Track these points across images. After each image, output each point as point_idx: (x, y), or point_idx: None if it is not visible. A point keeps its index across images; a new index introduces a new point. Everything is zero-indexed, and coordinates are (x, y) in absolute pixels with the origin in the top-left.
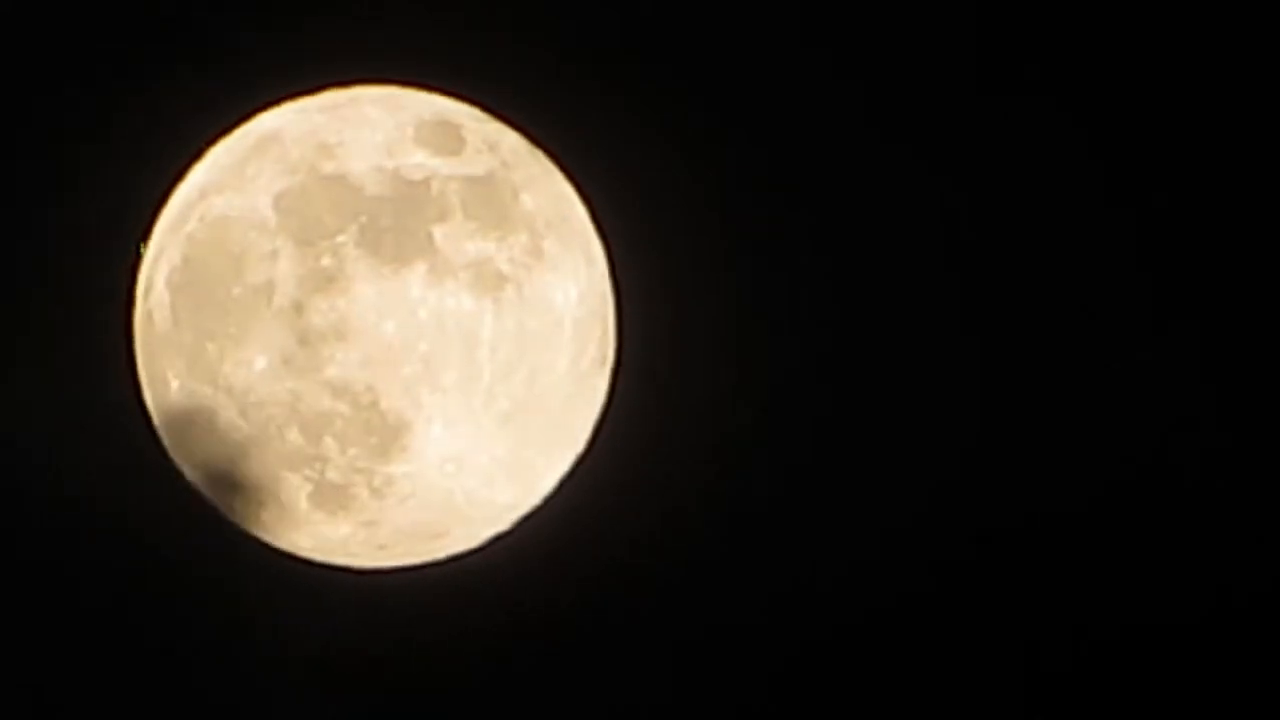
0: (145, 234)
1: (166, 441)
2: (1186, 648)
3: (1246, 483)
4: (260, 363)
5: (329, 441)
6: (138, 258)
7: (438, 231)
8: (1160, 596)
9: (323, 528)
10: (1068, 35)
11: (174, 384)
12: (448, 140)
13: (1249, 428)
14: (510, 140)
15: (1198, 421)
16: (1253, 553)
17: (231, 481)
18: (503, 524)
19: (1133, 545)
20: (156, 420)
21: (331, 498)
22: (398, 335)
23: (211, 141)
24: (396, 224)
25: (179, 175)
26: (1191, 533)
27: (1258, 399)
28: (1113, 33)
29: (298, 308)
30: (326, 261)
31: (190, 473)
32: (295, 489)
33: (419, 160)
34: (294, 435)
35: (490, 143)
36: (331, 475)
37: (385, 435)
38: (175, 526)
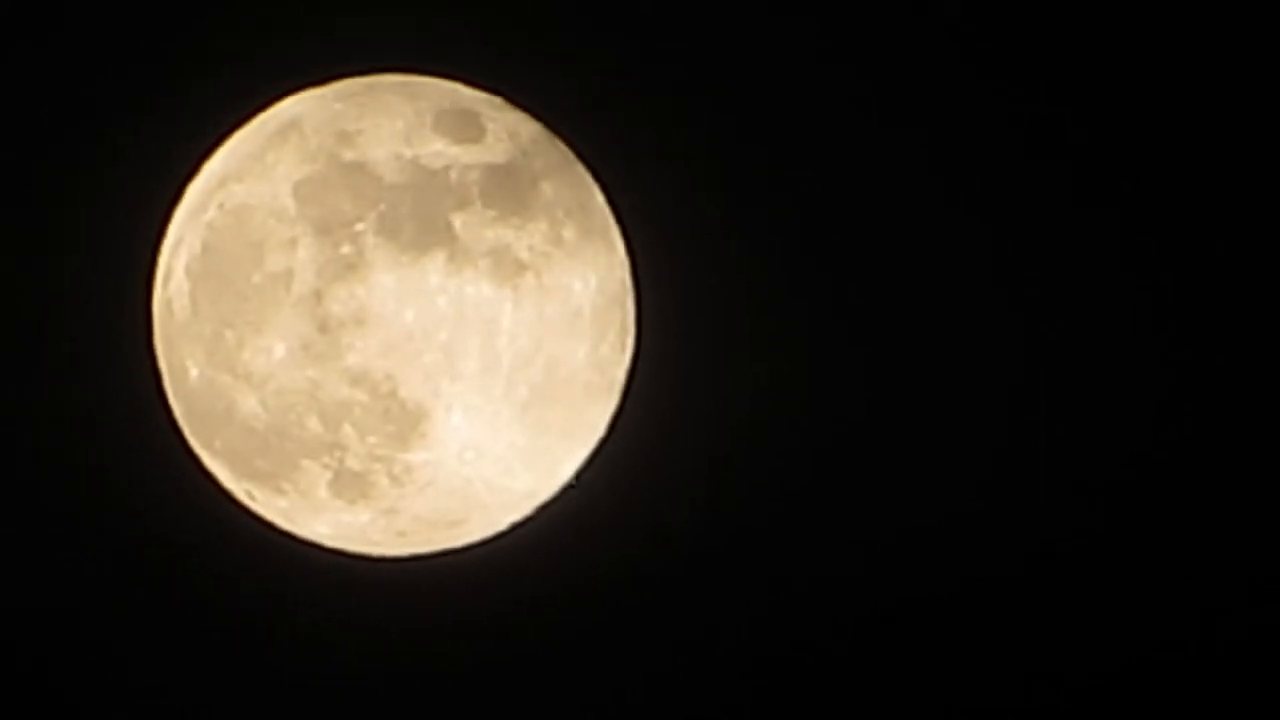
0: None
1: (186, 430)
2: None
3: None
4: (280, 351)
5: (348, 429)
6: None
7: (457, 220)
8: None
9: (342, 515)
10: (1078, 31)
11: (193, 372)
12: (467, 129)
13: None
14: (530, 129)
15: (1208, 420)
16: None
17: (251, 470)
18: (521, 511)
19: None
20: (176, 409)
21: (351, 485)
22: (417, 323)
23: (231, 129)
24: (416, 212)
25: (199, 163)
26: (1207, 535)
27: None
28: (1120, 31)
29: (317, 296)
30: (346, 249)
31: (209, 461)
32: (315, 477)
33: (438, 148)
34: (313, 423)
35: (510, 131)
36: (351, 463)
37: (404, 423)
38: (194, 515)
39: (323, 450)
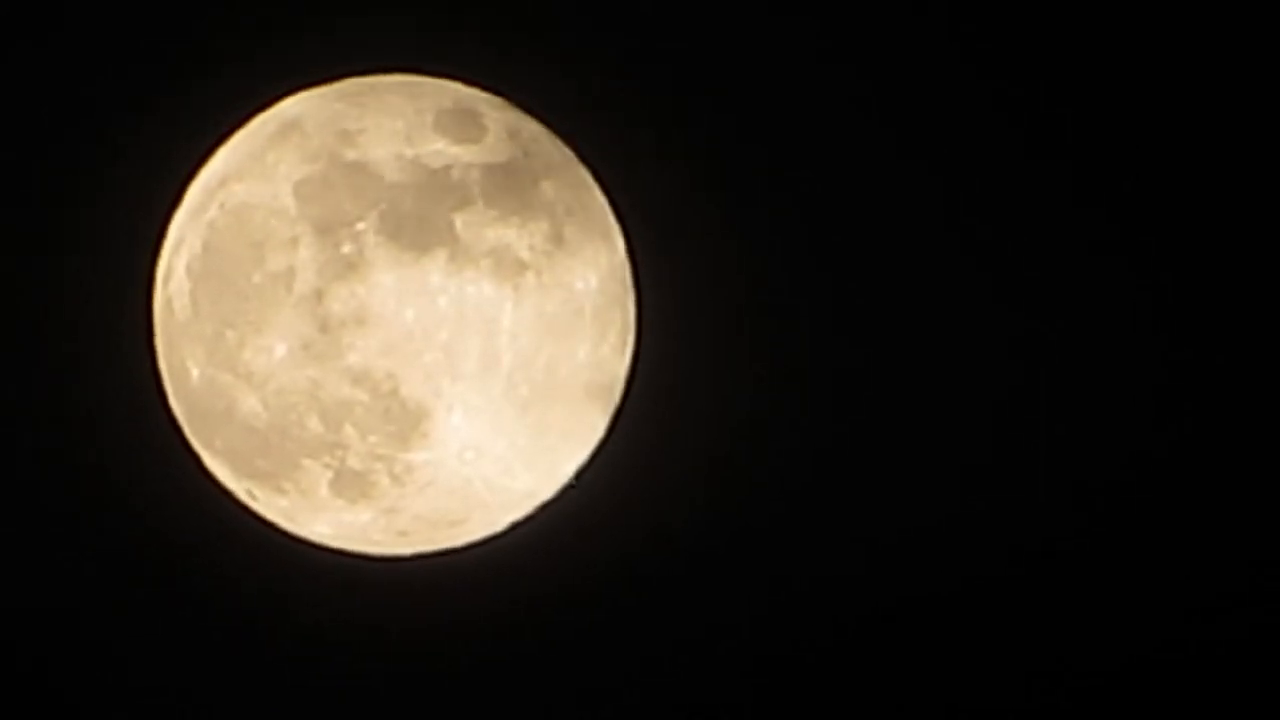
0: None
1: (187, 430)
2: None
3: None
4: (280, 350)
5: (349, 429)
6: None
7: (458, 219)
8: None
9: (343, 515)
10: (1076, 34)
11: (194, 372)
12: (468, 128)
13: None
14: (530, 128)
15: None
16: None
17: (251, 469)
18: (522, 511)
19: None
20: (176, 408)
21: (352, 485)
22: (418, 323)
23: (232, 128)
24: (417, 211)
25: (200, 162)
26: (1201, 531)
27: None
28: (1116, 34)
29: (318, 295)
30: (347, 249)
31: (210, 461)
32: (316, 476)
33: (439, 148)
34: (314, 423)
35: (511, 130)
36: (352, 463)
37: (405, 423)
38: (195, 515)
39: (323, 450)
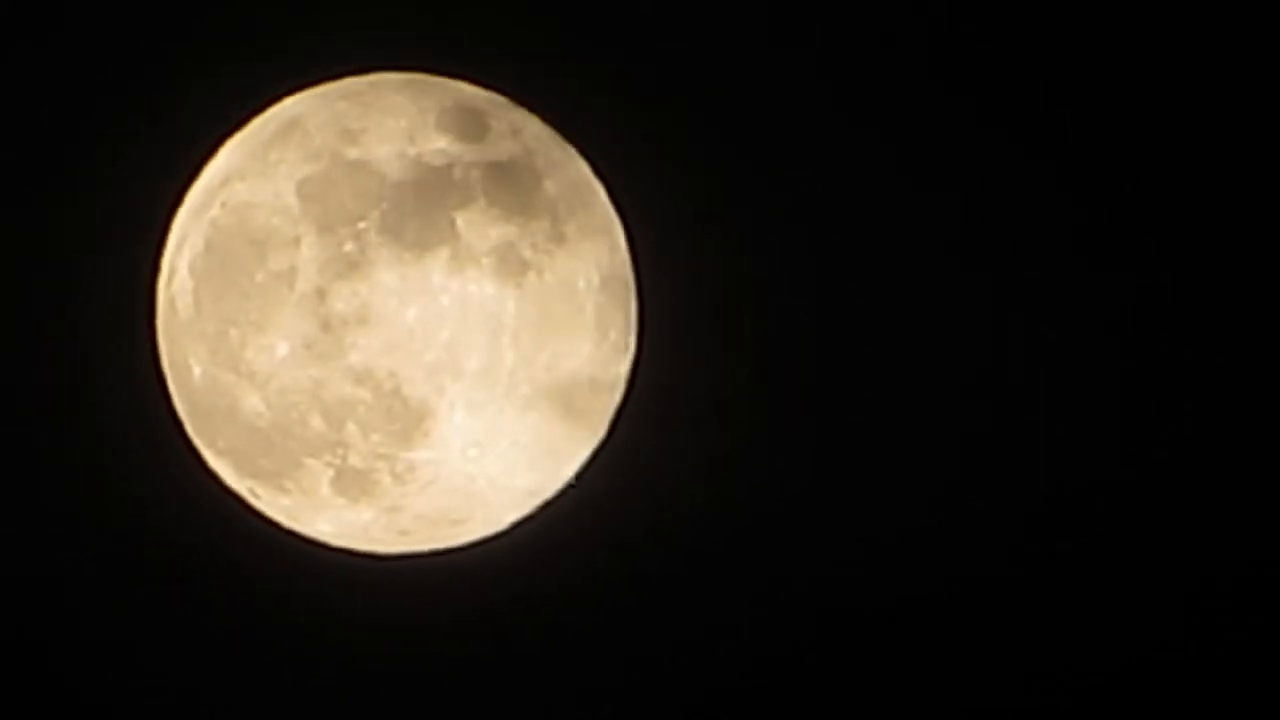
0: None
1: (189, 429)
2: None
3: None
4: (282, 349)
5: (351, 428)
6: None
7: (460, 218)
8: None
9: (345, 514)
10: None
11: (196, 371)
12: (470, 127)
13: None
14: (533, 127)
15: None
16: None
17: (254, 468)
18: (524, 509)
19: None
20: (179, 407)
21: (354, 484)
22: (420, 321)
23: (235, 128)
24: (419, 210)
25: (202, 162)
26: (1191, 528)
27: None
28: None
29: (320, 294)
30: (349, 248)
31: (213, 460)
32: (318, 475)
33: (441, 146)
34: (316, 421)
35: (513, 129)
36: (354, 461)
37: (408, 421)
38: (197, 514)
39: (325, 449)
